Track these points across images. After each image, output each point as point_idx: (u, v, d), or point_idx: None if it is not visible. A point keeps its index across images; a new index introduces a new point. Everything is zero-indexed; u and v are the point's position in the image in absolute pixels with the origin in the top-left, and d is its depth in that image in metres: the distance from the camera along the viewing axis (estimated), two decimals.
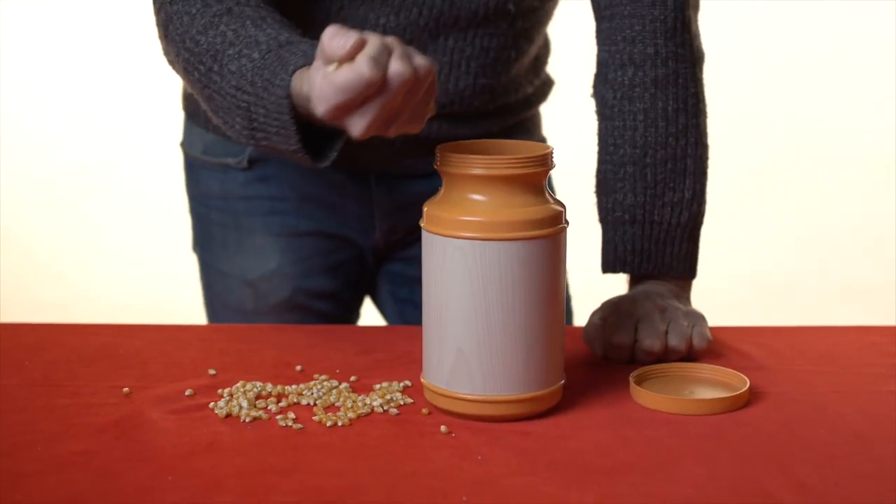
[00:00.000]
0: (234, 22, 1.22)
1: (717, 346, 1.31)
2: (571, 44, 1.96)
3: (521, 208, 1.09)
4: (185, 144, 1.59)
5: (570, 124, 2.05)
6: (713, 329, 1.32)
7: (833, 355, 1.31)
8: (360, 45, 1.04)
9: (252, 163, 1.52)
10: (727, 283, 3.29)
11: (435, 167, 1.12)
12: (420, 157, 1.42)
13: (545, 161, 1.10)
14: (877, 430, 1.11)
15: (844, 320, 1.59)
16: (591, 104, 1.38)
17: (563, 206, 1.13)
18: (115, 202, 3.70)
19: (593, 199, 1.38)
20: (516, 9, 1.40)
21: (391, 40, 1.06)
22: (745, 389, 1.16)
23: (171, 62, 1.31)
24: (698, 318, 1.29)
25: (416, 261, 1.56)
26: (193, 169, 1.58)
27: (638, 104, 1.33)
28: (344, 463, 1.03)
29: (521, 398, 1.11)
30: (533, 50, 1.50)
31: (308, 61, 1.14)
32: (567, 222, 1.13)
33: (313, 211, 1.52)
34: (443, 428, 1.10)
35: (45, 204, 3.67)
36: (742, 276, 3.53)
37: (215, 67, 1.21)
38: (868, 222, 3.70)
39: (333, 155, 1.20)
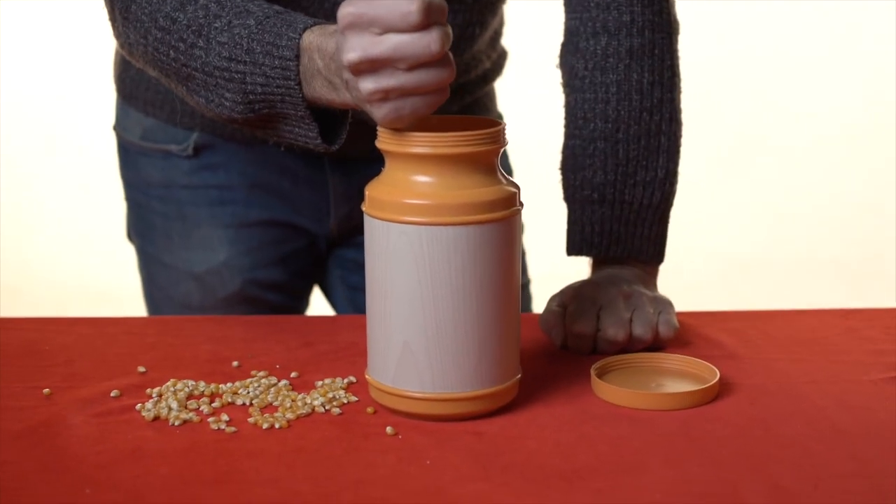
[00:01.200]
0: None
1: (685, 334, 1.24)
2: (521, 14, 1.87)
3: (471, 189, 1.00)
4: (119, 128, 1.49)
5: (522, 97, 1.98)
6: (680, 314, 1.25)
7: (809, 342, 1.23)
8: None
9: (198, 150, 1.43)
10: (693, 260, 3.25)
11: (376, 145, 1.03)
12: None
13: (496, 138, 1.02)
14: (857, 424, 1.04)
15: (811, 295, 1.52)
16: (546, 76, 1.29)
17: (517, 186, 1.04)
18: (59, 183, 3.65)
19: (557, 175, 1.29)
20: None
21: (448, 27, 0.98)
22: (715, 381, 1.09)
23: (128, 44, 1.20)
24: (665, 304, 1.22)
25: None
26: (130, 154, 1.49)
27: (611, 75, 1.25)
28: (280, 471, 0.95)
29: (474, 395, 1.03)
30: (494, 23, 1.42)
31: (316, 23, 1.07)
32: (521, 204, 1.04)
33: (264, 199, 1.44)
34: (389, 429, 1.02)
35: None
36: (708, 253, 3.49)
37: (200, 42, 1.12)
38: (834, 197, 3.69)
39: (342, 137, 1.11)
